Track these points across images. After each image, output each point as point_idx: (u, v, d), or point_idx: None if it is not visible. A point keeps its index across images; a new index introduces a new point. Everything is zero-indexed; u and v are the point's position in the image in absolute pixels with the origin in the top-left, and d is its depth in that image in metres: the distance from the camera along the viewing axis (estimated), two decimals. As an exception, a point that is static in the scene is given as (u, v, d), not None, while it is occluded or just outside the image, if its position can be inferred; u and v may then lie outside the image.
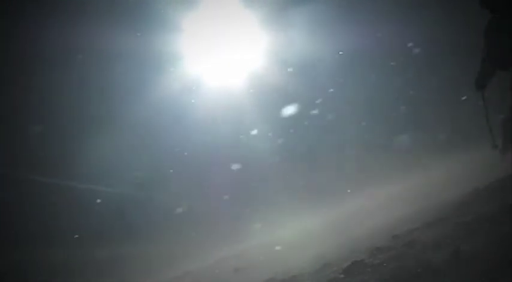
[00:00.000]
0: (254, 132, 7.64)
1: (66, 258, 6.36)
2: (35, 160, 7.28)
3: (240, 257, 4.51)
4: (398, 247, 2.14)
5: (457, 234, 1.95)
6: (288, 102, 7.43)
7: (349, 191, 5.84)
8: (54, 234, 6.84)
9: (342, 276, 2.08)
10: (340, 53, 6.94)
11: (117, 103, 7.37)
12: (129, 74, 7.18)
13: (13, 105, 7.11)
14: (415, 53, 6.52)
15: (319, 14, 6.95)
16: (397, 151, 6.52)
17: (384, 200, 4.49)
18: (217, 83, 7.94)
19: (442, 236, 2.02)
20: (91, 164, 7.25)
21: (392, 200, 4.20)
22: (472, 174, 3.23)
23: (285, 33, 7.27)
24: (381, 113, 7.24)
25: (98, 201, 7.20)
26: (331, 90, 7.39)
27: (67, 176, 7.19)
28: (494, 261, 1.48)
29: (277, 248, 4.16)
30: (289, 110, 7.24)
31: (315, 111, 7.55)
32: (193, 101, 7.72)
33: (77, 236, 6.77)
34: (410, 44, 6.45)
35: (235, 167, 7.26)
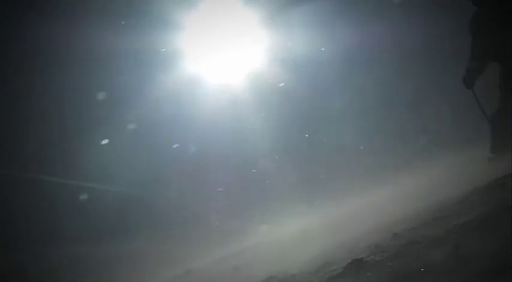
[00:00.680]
0: (254, 131, 7.64)
1: (66, 258, 6.36)
2: (35, 160, 7.28)
3: (240, 256, 4.51)
4: (398, 245, 2.14)
5: (456, 233, 1.96)
6: (288, 101, 7.44)
7: (349, 190, 5.84)
8: (54, 234, 6.85)
9: (342, 274, 2.08)
10: (323, 49, 6.92)
11: (116, 102, 7.38)
12: (129, 73, 7.19)
13: (13, 105, 7.12)
14: (416, 53, 6.53)
15: (320, 14, 6.96)
16: (397, 151, 6.53)
17: (383, 199, 4.49)
18: (218, 82, 7.95)
19: (441, 235, 2.02)
20: (91, 164, 7.26)
21: (392, 199, 4.20)
22: (472, 173, 3.24)
23: (286, 33, 7.27)
24: (381, 112, 7.25)
25: (98, 200, 7.21)
26: (332, 89, 7.40)
27: (67, 175, 7.20)
28: (494, 261, 1.48)
29: (277, 246, 4.17)
30: (290, 109, 7.24)
31: (315, 111, 7.56)
32: (193, 100, 7.73)
33: (77, 234, 6.78)
34: (411, 44, 6.46)
35: (235, 166, 7.27)
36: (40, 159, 7.33)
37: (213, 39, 7.34)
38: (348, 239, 3.04)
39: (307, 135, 7.68)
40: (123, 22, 6.61)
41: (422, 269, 1.70)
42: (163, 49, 7.11)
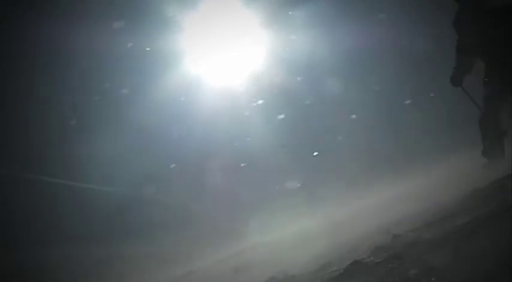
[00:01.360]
0: (254, 131, 7.64)
1: (66, 258, 6.36)
2: (35, 160, 7.28)
3: (240, 257, 4.51)
4: (398, 246, 2.14)
5: (457, 233, 1.95)
6: (289, 102, 7.44)
7: (349, 191, 5.84)
8: (54, 234, 6.84)
9: (342, 275, 2.08)
10: (323, 49, 6.93)
11: (116, 102, 7.38)
12: (129, 73, 7.19)
13: (13, 105, 7.11)
14: (416, 53, 6.53)
15: (321, 14, 6.96)
16: (397, 151, 6.53)
17: (384, 199, 4.49)
18: (218, 82, 7.95)
19: (442, 236, 2.02)
20: (91, 164, 7.26)
21: (392, 199, 4.20)
22: (472, 174, 3.23)
23: (286, 33, 7.27)
24: (382, 112, 7.25)
25: (98, 200, 7.21)
26: (332, 89, 7.40)
27: (67, 176, 7.19)
28: (494, 261, 1.48)
29: (277, 247, 4.16)
30: (290, 109, 7.24)
31: (315, 111, 7.56)
32: (193, 100, 7.73)
33: (77, 234, 6.77)
34: (411, 44, 6.46)
35: (235, 166, 7.27)
36: (40, 159, 7.32)
37: (213, 39, 7.35)
38: (348, 240, 3.04)
39: (307, 136, 7.68)
40: (123, 22, 6.61)
41: (422, 270, 1.70)
42: (165, 49, 7.11)
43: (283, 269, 2.84)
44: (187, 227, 6.81)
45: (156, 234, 6.76)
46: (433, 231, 2.19)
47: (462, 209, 2.37)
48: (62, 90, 7.11)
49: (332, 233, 3.51)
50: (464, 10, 3.13)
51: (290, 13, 7.10)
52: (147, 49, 6.94)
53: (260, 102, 7.62)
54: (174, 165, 7.67)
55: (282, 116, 7.49)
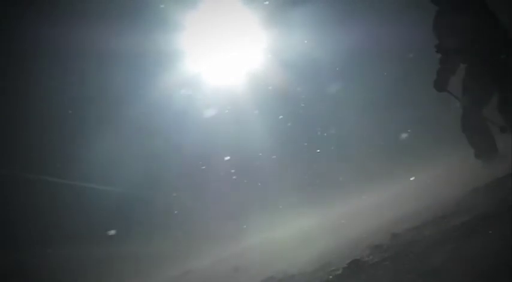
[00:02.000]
0: (254, 131, 7.64)
1: (66, 258, 6.36)
2: (35, 160, 7.28)
3: (240, 256, 4.51)
4: (397, 246, 2.14)
5: (456, 233, 1.95)
6: (288, 101, 7.43)
7: (349, 190, 5.84)
8: (54, 234, 6.84)
9: (342, 275, 2.08)
10: (322, 49, 6.91)
11: (116, 102, 7.38)
12: (129, 73, 7.19)
13: (13, 105, 7.11)
14: (416, 52, 6.53)
15: (320, 14, 6.96)
16: (397, 151, 6.52)
17: (383, 199, 4.48)
18: (218, 83, 7.95)
19: (441, 235, 2.01)
20: (91, 164, 7.26)
21: (391, 199, 4.20)
22: (472, 173, 3.22)
23: (286, 33, 7.27)
24: (381, 112, 7.24)
25: (98, 200, 7.21)
26: (332, 89, 7.40)
27: (67, 175, 7.19)
28: (494, 261, 1.48)
29: (276, 247, 4.16)
30: (290, 109, 7.23)
31: (315, 111, 7.55)
32: (193, 100, 7.73)
33: (77, 234, 6.78)
34: (411, 44, 6.45)
35: (234, 166, 7.27)
36: (40, 159, 7.32)
37: (213, 39, 7.34)
38: (348, 239, 3.04)
39: (306, 135, 7.68)
40: (123, 22, 6.61)
41: (422, 270, 1.69)
42: (164, 49, 7.11)
43: (282, 268, 2.83)
44: (187, 226, 6.81)
45: (155, 234, 6.76)
46: (432, 230, 2.18)
47: (462, 209, 2.36)
48: (61, 90, 7.11)
49: (331, 233, 3.51)
50: (442, 12, 3.09)
51: (290, 13, 7.09)
52: (147, 49, 6.94)
53: (260, 102, 7.62)
54: (173, 165, 7.67)
55: (281, 116, 7.49)
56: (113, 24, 6.52)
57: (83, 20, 6.45)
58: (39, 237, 6.82)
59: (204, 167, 7.66)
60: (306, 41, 7.20)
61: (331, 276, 2.16)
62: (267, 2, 6.95)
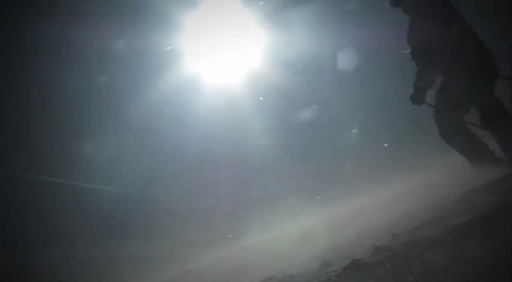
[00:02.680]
0: (254, 131, 7.64)
1: (66, 258, 6.36)
2: (35, 160, 7.28)
3: (239, 256, 4.50)
4: (397, 246, 2.13)
5: (456, 233, 1.95)
6: (288, 101, 7.43)
7: (348, 190, 5.83)
8: (54, 234, 6.85)
9: (341, 275, 2.07)
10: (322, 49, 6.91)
11: (116, 102, 7.38)
12: (129, 73, 7.19)
13: (13, 105, 7.12)
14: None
15: (320, 14, 6.96)
16: (397, 150, 6.51)
17: (383, 199, 4.48)
18: (217, 83, 7.95)
19: (441, 235, 2.01)
20: (91, 164, 7.26)
21: (391, 199, 4.20)
22: (472, 173, 3.22)
23: (286, 33, 7.27)
24: (381, 112, 7.24)
25: (98, 200, 7.21)
26: (331, 89, 7.40)
27: (67, 175, 7.20)
28: (493, 261, 1.48)
29: (276, 247, 4.16)
30: (289, 109, 7.23)
31: (315, 111, 7.55)
32: (193, 100, 7.73)
33: (77, 234, 6.78)
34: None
35: (234, 166, 7.27)
36: (40, 159, 7.33)
37: (213, 39, 7.34)
38: (347, 239, 3.03)
39: (306, 135, 7.68)
40: (123, 22, 6.61)
41: (421, 270, 1.69)
42: (164, 49, 7.11)
43: (282, 268, 2.83)
44: (186, 226, 6.81)
45: (154, 234, 6.76)
46: (432, 230, 2.18)
47: (461, 209, 2.36)
48: (61, 90, 7.12)
49: (331, 233, 3.51)
50: (415, 21, 3.01)
51: (290, 13, 7.09)
52: (147, 49, 6.94)
53: (259, 101, 7.62)
54: (173, 165, 7.67)
55: (281, 116, 7.49)
56: (113, 24, 6.53)
57: (83, 20, 6.46)
58: (39, 237, 6.82)
59: (203, 167, 7.66)
60: (305, 41, 7.20)
61: (331, 276, 2.16)
62: (266, 2, 6.96)
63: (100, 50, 6.67)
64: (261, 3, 7.00)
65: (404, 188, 4.55)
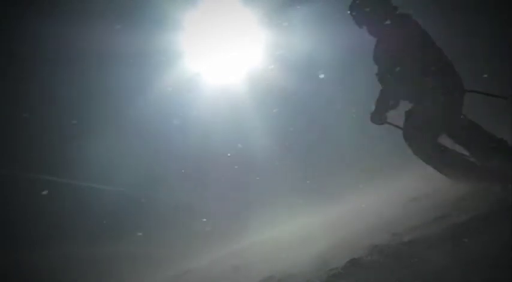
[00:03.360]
0: (254, 131, 7.64)
1: (66, 258, 6.36)
2: (35, 160, 7.29)
3: (239, 256, 4.50)
4: (397, 245, 2.13)
5: (456, 233, 1.95)
6: (288, 101, 7.43)
7: (348, 190, 5.83)
8: (54, 234, 6.85)
9: (341, 274, 2.08)
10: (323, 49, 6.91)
11: (116, 102, 7.38)
12: (129, 73, 7.18)
13: (13, 105, 7.12)
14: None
15: (320, 14, 6.95)
16: (397, 150, 6.50)
17: (383, 198, 4.48)
18: (217, 83, 7.94)
19: (440, 235, 2.01)
20: (91, 164, 7.27)
21: (391, 199, 4.20)
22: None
23: (286, 33, 7.27)
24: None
25: (98, 200, 7.22)
26: (331, 89, 7.39)
27: (67, 175, 7.20)
28: (493, 261, 1.48)
29: (276, 246, 4.16)
30: (289, 109, 7.23)
31: (315, 111, 7.55)
32: (193, 100, 7.73)
33: (77, 234, 6.78)
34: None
35: (234, 166, 7.27)
36: (40, 159, 7.33)
37: (213, 39, 7.34)
38: (347, 238, 3.03)
39: (306, 135, 7.68)
40: (123, 22, 6.61)
41: (421, 269, 1.69)
42: (164, 49, 7.11)
43: (282, 268, 2.83)
44: (186, 226, 6.80)
45: (155, 234, 6.76)
46: (431, 230, 2.18)
47: (461, 209, 2.36)
48: (61, 90, 7.12)
49: (331, 233, 3.51)
50: (381, 41, 2.94)
51: (290, 13, 7.09)
52: (147, 49, 6.94)
53: (260, 101, 7.62)
54: (173, 164, 7.67)
55: (281, 116, 7.49)
56: (113, 24, 6.52)
57: (83, 20, 6.45)
58: (39, 237, 6.82)
59: (203, 167, 7.66)
60: (305, 41, 7.20)
61: (331, 276, 2.16)
62: (267, 2, 6.96)
63: (100, 50, 6.66)
64: (262, 3, 7.00)
65: (404, 188, 4.54)
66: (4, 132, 7.13)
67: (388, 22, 2.76)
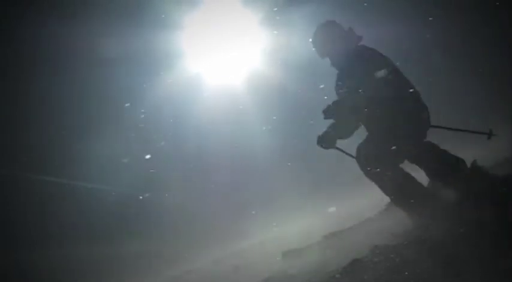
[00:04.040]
0: (254, 131, 7.64)
1: (66, 258, 6.36)
2: (35, 160, 7.28)
3: (240, 256, 4.51)
4: (397, 246, 2.13)
5: (456, 234, 1.95)
6: (288, 101, 7.43)
7: (349, 190, 5.83)
8: (54, 234, 6.85)
9: (341, 275, 2.08)
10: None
11: (116, 102, 7.38)
12: (129, 73, 7.18)
13: (13, 105, 7.12)
14: (416, 52, 6.52)
15: (320, 14, 6.95)
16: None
17: (383, 199, 4.47)
18: (218, 83, 7.94)
19: (441, 236, 2.01)
20: (91, 164, 7.26)
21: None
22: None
23: (286, 33, 7.27)
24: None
25: (97, 200, 7.21)
26: (331, 90, 7.38)
27: (67, 175, 7.20)
28: (493, 261, 1.48)
29: (276, 247, 4.16)
30: (289, 109, 7.23)
31: (316, 111, 7.55)
32: (193, 100, 7.73)
33: (77, 234, 6.78)
34: (411, 44, 6.45)
35: (235, 166, 7.26)
36: (40, 159, 7.33)
37: (213, 39, 7.33)
38: (347, 239, 3.04)
39: (306, 135, 7.67)
40: (123, 22, 6.61)
41: (421, 270, 1.69)
42: (164, 49, 7.10)
43: (282, 268, 2.84)
44: (187, 226, 6.81)
45: (155, 233, 6.76)
46: (431, 231, 2.18)
47: (460, 211, 2.35)
48: (61, 90, 7.12)
49: (331, 233, 3.51)
50: (343, 72, 2.89)
51: (290, 13, 7.09)
52: (147, 49, 6.94)
53: (259, 101, 7.62)
54: (173, 165, 7.67)
55: (281, 116, 7.48)
56: (113, 24, 6.53)
57: (83, 20, 6.46)
58: (39, 237, 6.82)
59: (204, 167, 7.66)
60: (305, 41, 7.20)
61: (331, 276, 2.16)
62: (267, 2, 6.96)
63: (100, 50, 6.66)
64: (262, 3, 7.00)
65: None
66: (4, 132, 7.13)
67: (350, 54, 2.72)
